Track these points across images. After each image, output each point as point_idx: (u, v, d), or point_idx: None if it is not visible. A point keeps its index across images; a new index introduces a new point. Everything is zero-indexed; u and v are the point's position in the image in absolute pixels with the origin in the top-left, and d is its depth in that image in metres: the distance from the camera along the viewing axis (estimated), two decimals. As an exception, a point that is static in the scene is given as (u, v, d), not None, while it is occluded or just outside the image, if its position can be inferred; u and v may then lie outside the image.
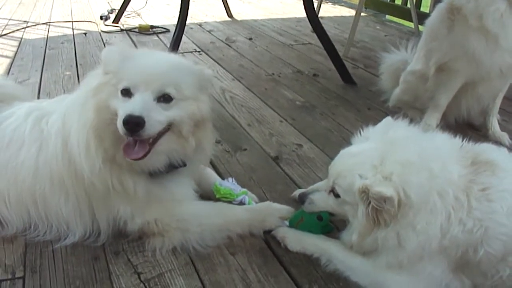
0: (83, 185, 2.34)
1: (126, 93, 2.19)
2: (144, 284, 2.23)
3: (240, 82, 4.93)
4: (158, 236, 2.39)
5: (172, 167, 2.40)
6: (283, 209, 2.60)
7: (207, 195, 2.71)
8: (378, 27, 7.79)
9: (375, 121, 2.31)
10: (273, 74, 5.27)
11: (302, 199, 2.39)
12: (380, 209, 1.97)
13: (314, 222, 2.45)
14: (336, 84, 5.00)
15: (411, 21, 6.95)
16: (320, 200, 2.32)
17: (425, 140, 2.22)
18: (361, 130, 2.36)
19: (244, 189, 2.74)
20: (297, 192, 2.80)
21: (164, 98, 2.20)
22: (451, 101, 3.71)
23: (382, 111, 4.19)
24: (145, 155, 2.18)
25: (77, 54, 5.78)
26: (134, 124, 2.06)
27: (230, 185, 2.73)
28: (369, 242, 2.11)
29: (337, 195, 2.21)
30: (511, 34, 3.24)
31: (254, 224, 2.50)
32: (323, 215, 2.43)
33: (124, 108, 2.12)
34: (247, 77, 5.11)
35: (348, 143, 3.32)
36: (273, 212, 2.57)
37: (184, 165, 2.43)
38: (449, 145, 2.22)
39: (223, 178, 2.91)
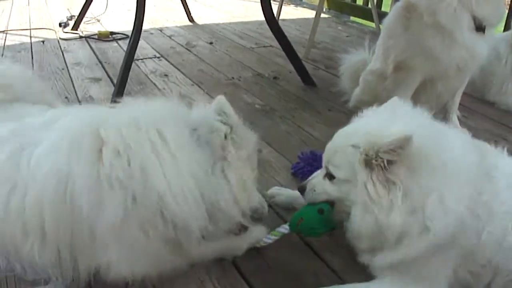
0: (70, 227, 2.05)
1: None
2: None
3: (200, 87, 4.86)
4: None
5: None
6: (257, 230, 2.46)
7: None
8: (340, 28, 7.79)
9: (336, 122, 2.26)
10: (233, 78, 5.21)
11: (302, 189, 2.28)
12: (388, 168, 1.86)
13: (315, 217, 2.22)
14: (296, 86, 4.96)
15: (373, 21, 6.97)
16: (318, 185, 2.20)
17: (435, 122, 2.15)
18: (361, 111, 2.22)
19: None
20: (271, 191, 2.80)
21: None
22: (410, 99, 3.69)
23: (342, 112, 4.15)
24: None
25: (34, 63, 5.65)
26: None
27: None
28: (396, 217, 1.88)
29: (331, 176, 2.11)
30: (466, 28, 3.25)
31: (225, 253, 2.39)
32: (324, 206, 2.20)
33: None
34: (207, 82, 5.04)
35: (307, 145, 3.30)
36: (245, 237, 2.43)
37: None
38: (459, 131, 2.23)
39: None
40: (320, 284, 2.20)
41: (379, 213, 1.88)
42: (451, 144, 1.99)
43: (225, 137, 2.13)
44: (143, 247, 2.09)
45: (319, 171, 2.25)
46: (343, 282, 2.24)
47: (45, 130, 2.16)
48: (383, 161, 1.84)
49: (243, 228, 2.38)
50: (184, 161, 2.05)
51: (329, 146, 2.15)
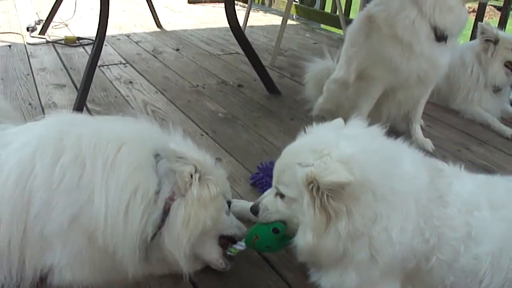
0: (23, 225, 2.10)
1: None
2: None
3: (163, 95, 4.81)
4: None
5: None
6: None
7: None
8: (307, 35, 7.80)
9: (297, 132, 2.20)
10: (197, 85, 5.17)
11: (255, 209, 2.22)
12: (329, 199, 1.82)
13: (270, 236, 2.20)
14: (260, 94, 4.95)
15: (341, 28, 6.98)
16: (271, 205, 2.14)
17: (388, 140, 2.12)
18: (305, 128, 2.19)
19: None
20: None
21: None
22: (373, 109, 3.70)
23: (305, 121, 4.09)
24: None
25: (-1, 68, 5.55)
26: None
27: None
28: (330, 242, 1.87)
29: (281, 195, 2.07)
30: (424, 39, 3.27)
31: (176, 270, 2.28)
32: (278, 226, 2.17)
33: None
34: (171, 89, 4.99)
35: (268, 155, 3.27)
36: (198, 257, 2.36)
37: None
38: (411, 150, 2.14)
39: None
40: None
41: (314, 236, 1.86)
42: (400, 169, 1.96)
43: (191, 176, 2.13)
44: (87, 255, 2.12)
45: (269, 190, 2.21)
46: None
47: (16, 135, 2.26)
48: (324, 192, 1.81)
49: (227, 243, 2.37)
50: (129, 188, 2.07)
51: (278, 164, 2.12)
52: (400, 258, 1.91)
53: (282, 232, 2.15)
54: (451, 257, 1.96)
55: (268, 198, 2.17)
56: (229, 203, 2.38)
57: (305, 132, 2.17)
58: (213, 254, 2.30)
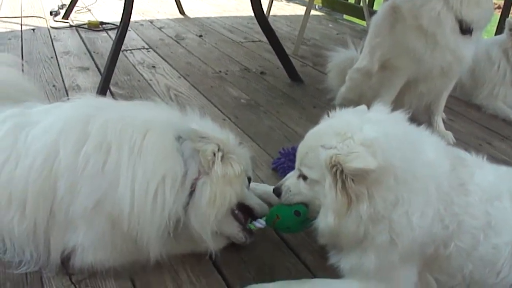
0: (50, 206, 2.14)
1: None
2: (75, 285, 2.15)
3: (186, 80, 4.84)
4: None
5: None
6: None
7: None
8: (330, 25, 7.80)
9: (320, 119, 2.22)
10: (220, 71, 5.20)
11: (277, 191, 2.23)
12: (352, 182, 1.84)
13: (291, 217, 2.21)
14: (283, 82, 4.96)
15: (365, 19, 6.97)
16: (294, 187, 2.15)
17: (411, 126, 2.11)
18: (329, 113, 2.20)
19: None
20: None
21: None
22: (395, 99, 3.70)
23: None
24: None
25: (23, 51, 5.59)
26: None
27: None
28: (351, 224, 1.88)
29: (304, 177, 2.08)
30: (449, 32, 3.27)
31: (198, 249, 2.32)
32: (300, 209, 2.17)
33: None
34: (194, 74, 5.03)
35: (290, 141, 3.29)
36: (219, 235, 2.36)
37: None
38: (434, 137, 2.14)
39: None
40: (292, 279, 2.21)
41: (335, 218, 1.89)
42: (422, 154, 1.97)
43: (214, 154, 2.17)
44: (110, 238, 2.15)
45: (292, 172, 2.23)
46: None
47: (44, 114, 2.30)
48: (348, 176, 1.83)
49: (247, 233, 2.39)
50: (158, 175, 2.10)
51: (301, 146, 2.13)
52: (419, 243, 1.92)
53: (304, 215, 2.16)
54: (470, 245, 1.97)
55: (291, 180, 2.19)
56: (249, 179, 2.42)
57: (328, 116, 2.18)
58: (233, 229, 2.33)
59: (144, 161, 2.09)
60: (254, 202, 2.42)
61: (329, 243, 2.11)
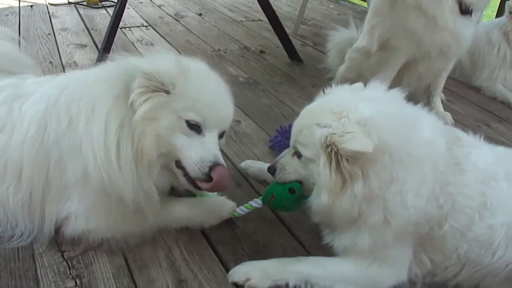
0: (45, 175, 2.14)
1: (194, 127, 2.09)
2: (67, 262, 2.15)
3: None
4: (98, 243, 2.23)
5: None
6: (225, 208, 2.40)
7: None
8: (331, 6, 7.77)
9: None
10: (219, 50, 5.19)
11: (272, 169, 2.21)
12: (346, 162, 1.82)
13: (286, 195, 2.17)
14: (282, 61, 4.96)
15: (366, 0, 6.95)
16: (289, 165, 2.14)
17: (407, 104, 2.10)
18: (325, 89, 2.20)
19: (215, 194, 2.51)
20: (244, 163, 2.81)
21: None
22: (394, 79, 3.69)
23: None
24: None
25: (21, 27, 5.57)
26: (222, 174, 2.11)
27: None
28: (345, 203, 1.87)
29: (299, 155, 2.05)
30: (449, 13, 3.25)
31: (192, 224, 2.36)
32: (294, 186, 2.16)
33: (201, 152, 2.09)
34: (192, 52, 4.97)
35: (287, 119, 3.28)
36: (213, 211, 2.38)
37: None
38: (431, 116, 2.12)
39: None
40: (287, 257, 2.21)
41: (329, 197, 1.87)
42: (418, 133, 1.96)
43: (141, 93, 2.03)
44: (104, 204, 2.15)
45: (286, 150, 2.21)
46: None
47: (38, 85, 2.32)
48: (343, 156, 1.82)
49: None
50: (111, 123, 2.03)
51: (296, 124, 2.11)
52: (413, 223, 1.93)
53: (298, 192, 2.16)
54: (465, 225, 1.97)
55: (285, 158, 2.18)
56: (222, 133, 2.27)
57: (324, 93, 2.18)
58: (180, 178, 2.21)
59: (98, 118, 2.03)
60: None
61: (323, 221, 2.12)
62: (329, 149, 1.83)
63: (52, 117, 2.12)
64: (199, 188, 2.17)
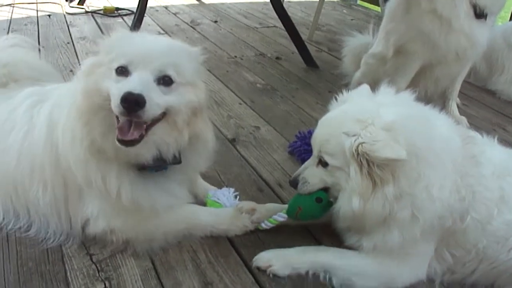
0: (62, 177, 2.22)
1: (122, 72, 1.98)
2: (96, 265, 2.20)
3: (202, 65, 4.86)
4: (122, 243, 2.28)
5: (161, 163, 2.19)
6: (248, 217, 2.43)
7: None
8: (345, 11, 7.80)
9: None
10: (235, 56, 5.24)
11: (294, 182, 2.24)
12: (377, 168, 1.88)
13: (314, 206, 2.21)
14: (298, 67, 5.00)
15: (379, 5, 6.96)
16: (312, 176, 2.17)
17: (420, 105, 2.16)
18: (337, 96, 2.26)
19: (237, 202, 2.55)
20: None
21: (164, 81, 1.99)
22: (410, 85, 3.71)
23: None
24: (140, 139, 1.96)
25: (40, 36, 5.64)
26: (133, 102, 1.83)
27: (222, 196, 2.58)
28: (377, 205, 1.93)
29: (325, 164, 2.09)
30: (464, 16, 3.28)
31: (216, 232, 2.39)
32: (321, 195, 2.20)
33: (121, 87, 1.89)
34: (209, 59, 5.01)
35: (306, 125, 3.32)
36: (237, 221, 2.40)
37: (177, 162, 2.22)
38: (442, 115, 2.18)
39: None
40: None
41: (360, 201, 1.93)
42: (436, 131, 2.01)
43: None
44: (114, 204, 2.19)
45: (309, 161, 2.24)
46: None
47: (54, 91, 2.42)
48: (373, 162, 1.88)
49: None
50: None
51: (319, 134, 2.14)
52: (438, 216, 1.97)
53: (326, 200, 2.19)
54: (485, 217, 2.02)
55: (309, 170, 2.21)
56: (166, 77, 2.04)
57: (336, 101, 2.25)
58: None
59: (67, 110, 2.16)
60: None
61: (351, 226, 2.13)
62: (359, 157, 1.88)
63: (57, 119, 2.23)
64: (124, 143, 1.96)
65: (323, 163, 2.11)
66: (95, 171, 2.10)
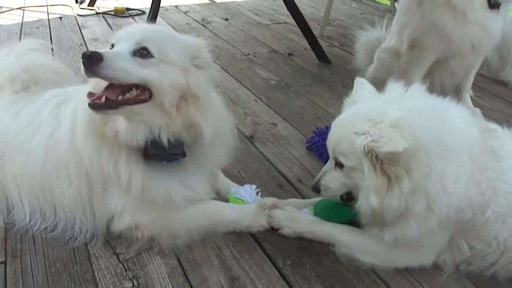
0: (85, 171, 2.26)
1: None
2: (122, 264, 2.24)
3: (216, 63, 4.83)
4: (147, 240, 2.32)
5: (171, 156, 2.23)
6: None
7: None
8: (354, 5, 7.79)
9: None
10: (248, 54, 5.27)
11: (316, 188, 2.28)
12: (389, 165, 1.90)
13: (341, 209, 2.35)
14: (311, 63, 5.02)
15: (388, -2, 6.99)
16: (332, 180, 2.21)
17: (432, 97, 2.17)
18: (346, 98, 2.30)
19: (259, 198, 2.60)
20: None
21: (141, 53, 2.04)
22: (424, 78, 3.71)
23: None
24: (107, 106, 2.02)
25: (52, 39, 5.67)
26: (88, 57, 1.90)
27: (244, 193, 2.61)
28: (394, 200, 1.95)
29: (340, 165, 2.12)
30: (478, 6, 3.27)
31: (239, 228, 2.43)
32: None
33: None
34: (222, 57, 5.08)
35: (322, 120, 3.34)
36: (260, 217, 2.44)
37: (183, 154, 2.25)
38: (459, 106, 2.19)
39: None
40: (334, 256, 2.31)
41: (377, 198, 1.96)
42: (448, 123, 2.02)
43: None
44: (137, 199, 2.24)
45: (327, 165, 2.27)
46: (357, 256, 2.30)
47: (75, 91, 2.48)
48: (384, 160, 1.90)
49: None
50: None
51: (332, 136, 2.17)
52: (455, 209, 1.98)
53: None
54: (506, 210, 2.03)
55: (328, 174, 2.24)
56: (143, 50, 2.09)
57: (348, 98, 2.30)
58: None
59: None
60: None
61: (373, 222, 2.16)
62: (370, 155, 1.90)
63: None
64: (91, 106, 2.03)
65: (339, 165, 2.14)
66: (107, 161, 2.18)
